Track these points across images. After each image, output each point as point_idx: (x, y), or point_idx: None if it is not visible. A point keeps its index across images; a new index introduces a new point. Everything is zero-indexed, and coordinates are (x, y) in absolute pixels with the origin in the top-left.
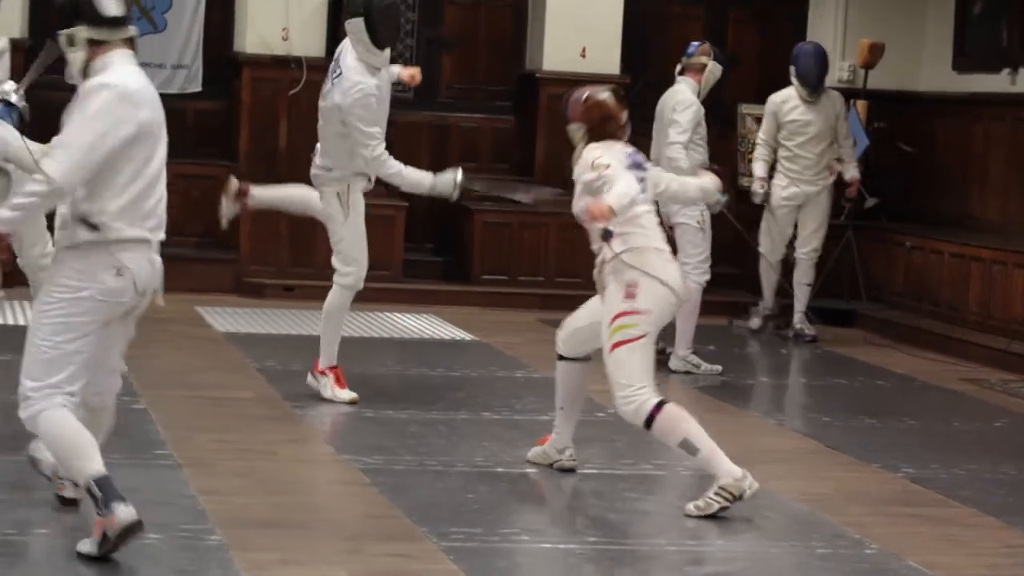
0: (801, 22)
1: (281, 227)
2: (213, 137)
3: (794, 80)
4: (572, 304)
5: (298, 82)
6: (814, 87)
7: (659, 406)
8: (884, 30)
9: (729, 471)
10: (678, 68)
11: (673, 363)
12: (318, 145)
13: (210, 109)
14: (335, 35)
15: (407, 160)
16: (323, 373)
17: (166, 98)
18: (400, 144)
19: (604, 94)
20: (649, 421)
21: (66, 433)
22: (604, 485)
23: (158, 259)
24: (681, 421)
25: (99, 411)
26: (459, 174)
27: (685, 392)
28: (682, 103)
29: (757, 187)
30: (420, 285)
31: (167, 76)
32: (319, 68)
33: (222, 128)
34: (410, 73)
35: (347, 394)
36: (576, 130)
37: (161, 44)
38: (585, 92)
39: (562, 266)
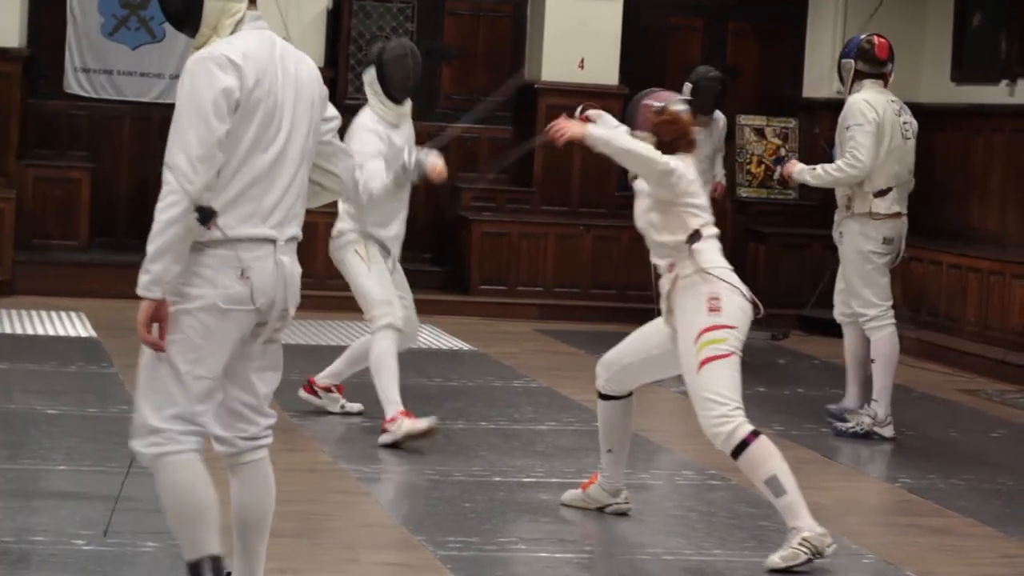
0: (800, 34)
1: None
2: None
3: None
4: (570, 314)
5: None
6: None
7: (754, 434)
8: None
9: (811, 525)
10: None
11: None
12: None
13: None
14: (334, 45)
15: None
16: (393, 421)
17: (165, 108)
18: None
19: (680, 107)
20: (740, 449)
21: (195, 489)
22: None
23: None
24: (773, 457)
25: (252, 469)
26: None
27: (677, 400)
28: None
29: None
30: (418, 295)
31: (165, 86)
32: None
33: None
34: (436, 168)
35: (424, 422)
36: (643, 138)
37: (160, 54)
38: (659, 101)
39: (560, 276)
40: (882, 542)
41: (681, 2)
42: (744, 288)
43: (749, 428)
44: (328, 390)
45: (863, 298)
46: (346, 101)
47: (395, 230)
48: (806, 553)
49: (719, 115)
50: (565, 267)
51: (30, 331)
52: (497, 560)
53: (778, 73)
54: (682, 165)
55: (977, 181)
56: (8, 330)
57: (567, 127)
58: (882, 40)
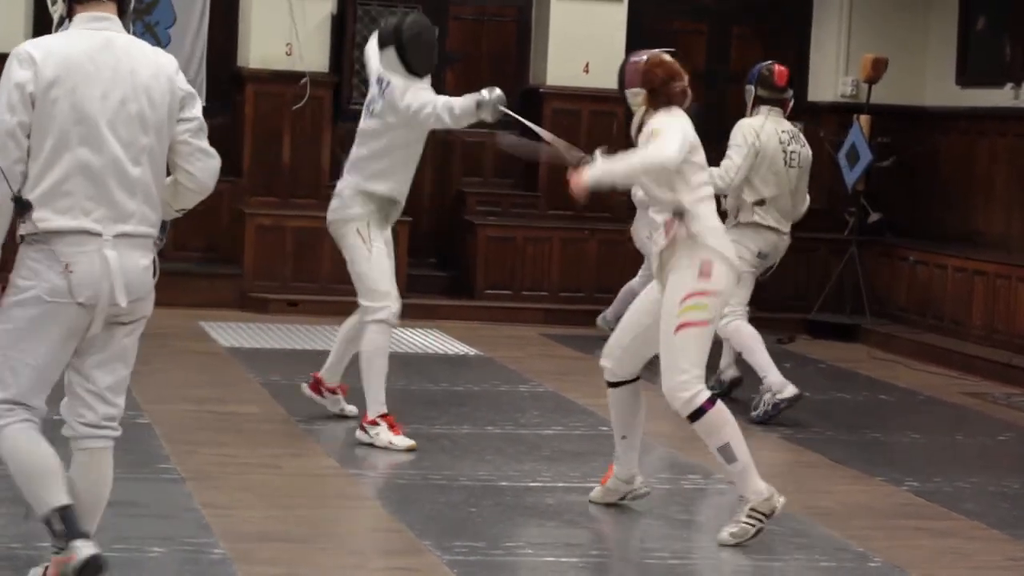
0: (804, 37)
1: (286, 242)
2: (216, 152)
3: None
4: (575, 319)
5: (301, 97)
6: None
7: (712, 401)
8: (887, 45)
9: (757, 490)
10: None
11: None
12: (336, 189)
13: (213, 124)
14: (339, 50)
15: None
16: (374, 423)
17: None
18: None
19: (665, 55)
20: (698, 414)
21: (32, 452)
22: None
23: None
24: (727, 425)
25: (87, 456)
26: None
27: None
28: None
29: None
30: (423, 300)
31: None
32: (323, 83)
33: (225, 143)
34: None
35: (404, 441)
36: (635, 95)
37: None
38: (643, 55)
39: (566, 281)
40: (888, 545)
41: (685, 6)
42: (733, 256)
43: (707, 395)
44: (333, 392)
45: None
46: (350, 106)
47: (396, 188)
48: (755, 525)
49: None
50: (570, 272)
51: None
52: (504, 565)
53: None
54: (681, 132)
55: (982, 184)
56: None
57: (575, 185)
58: (782, 69)
